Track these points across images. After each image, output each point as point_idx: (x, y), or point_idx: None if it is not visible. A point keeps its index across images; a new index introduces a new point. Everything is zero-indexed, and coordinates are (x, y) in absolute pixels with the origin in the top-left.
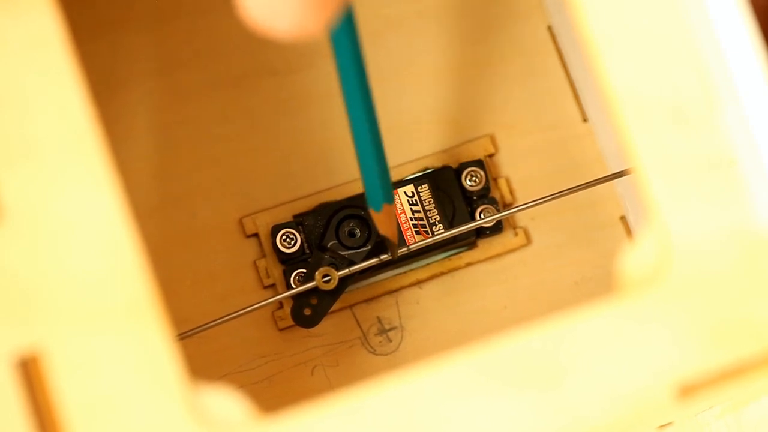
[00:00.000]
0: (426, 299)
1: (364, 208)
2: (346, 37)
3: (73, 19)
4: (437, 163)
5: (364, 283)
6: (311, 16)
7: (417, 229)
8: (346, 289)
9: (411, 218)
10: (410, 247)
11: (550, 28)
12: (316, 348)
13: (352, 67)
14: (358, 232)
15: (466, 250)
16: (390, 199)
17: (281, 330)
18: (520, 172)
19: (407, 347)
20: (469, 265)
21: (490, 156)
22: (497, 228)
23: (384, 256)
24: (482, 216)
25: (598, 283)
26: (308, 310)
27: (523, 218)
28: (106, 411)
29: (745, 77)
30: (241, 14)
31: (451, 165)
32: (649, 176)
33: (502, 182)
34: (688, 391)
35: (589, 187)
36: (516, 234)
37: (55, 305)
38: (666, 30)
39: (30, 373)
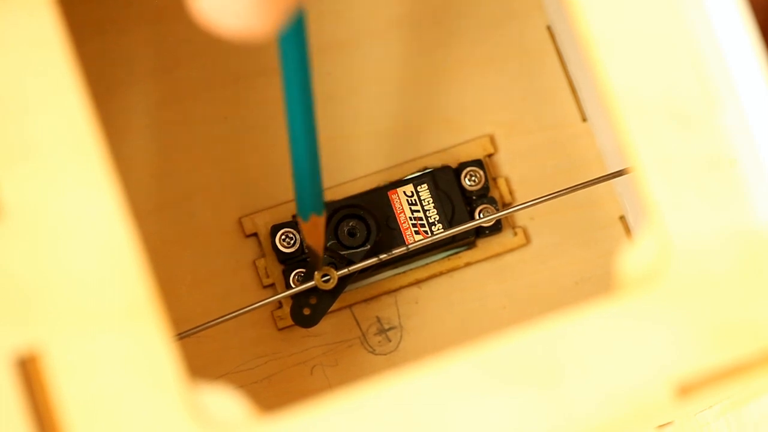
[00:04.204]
0: (425, 299)
1: (364, 208)
2: (293, 42)
3: (72, 18)
4: (436, 163)
5: (364, 282)
6: (261, 16)
7: (416, 229)
8: (346, 289)
9: (410, 218)
10: (409, 246)
11: (549, 28)
12: (316, 347)
13: (296, 72)
14: (357, 231)
15: (466, 249)
16: (319, 210)
17: (280, 329)
18: (520, 172)
19: (406, 347)
20: (468, 264)
21: (490, 156)
22: (496, 228)
23: (383, 256)
24: (481, 216)
25: (597, 282)
26: (307, 310)
27: (522, 218)
28: (105, 411)
29: (745, 77)
30: (192, 12)
31: (450, 165)
32: (649, 176)
33: (501, 182)
34: (688, 390)
35: (589, 186)
36: (515, 234)
37: (55, 305)
38: (666, 30)
39: (29, 373)
